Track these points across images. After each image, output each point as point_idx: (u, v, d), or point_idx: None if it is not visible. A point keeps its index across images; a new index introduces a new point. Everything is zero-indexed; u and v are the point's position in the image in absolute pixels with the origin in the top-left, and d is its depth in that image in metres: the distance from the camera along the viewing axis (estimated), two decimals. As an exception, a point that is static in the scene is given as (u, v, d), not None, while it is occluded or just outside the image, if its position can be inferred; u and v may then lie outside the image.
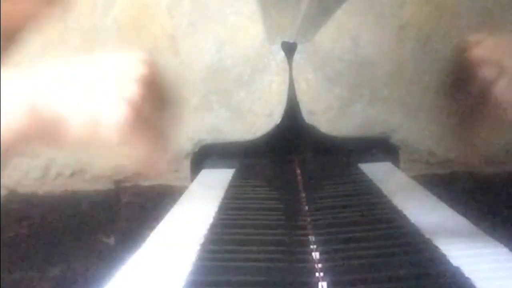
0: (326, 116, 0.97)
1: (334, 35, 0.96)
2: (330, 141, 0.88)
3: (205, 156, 0.88)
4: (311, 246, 0.47)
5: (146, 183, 0.97)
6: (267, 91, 0.98)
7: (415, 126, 0.97)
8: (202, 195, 0.68)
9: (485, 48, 0.45)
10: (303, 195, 0.63)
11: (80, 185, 0.98)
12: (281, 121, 0.88)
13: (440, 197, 0.62)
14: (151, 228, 0.57)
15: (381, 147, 0.88)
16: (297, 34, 0.83)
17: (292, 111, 0.89)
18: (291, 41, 0.89)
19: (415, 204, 0.59)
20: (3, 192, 0.96)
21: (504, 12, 0.95)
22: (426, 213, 0.56)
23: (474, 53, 0.45)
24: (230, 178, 0.76)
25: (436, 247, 0.45)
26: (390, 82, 0.97)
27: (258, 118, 0.97)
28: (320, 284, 0.39)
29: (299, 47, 0.91)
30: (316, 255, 0.45)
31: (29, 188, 0.98)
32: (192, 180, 0.81)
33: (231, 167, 0.82)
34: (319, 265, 0.42)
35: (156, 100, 0.40)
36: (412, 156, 0.98)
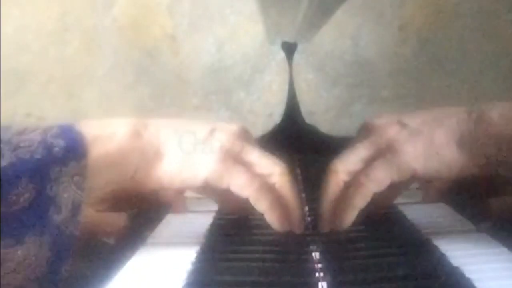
0: (326, 116, 0.97)
1: (334, 35, 0.96)
2: (330, 141, 0.88)
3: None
4: (311, 246, 0.47)
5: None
6: (267, 91, 0.98)
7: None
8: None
9: None
10: (303, 195, 0.63)
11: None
12: (281, 121, 0.88)
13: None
14: (152, 228, 0.57)
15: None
16: (297, 34, 0.83)
17: (292, 111, 0.89)
18: (291, 41, 0.89)
19: (411, 201, 0.60)
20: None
21: (504, 12, 0.95)
22: (421, 208, 0.58)
23: None
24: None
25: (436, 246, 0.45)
26: (390, 82, 0.97)
27: (258, 118, 0.97)
28: (320, 284, 0.39)
29: (299, 47, 0.91)
30: (316, 255, 0.45)
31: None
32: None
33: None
34: (319, 265, 0.42)
35: None
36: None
